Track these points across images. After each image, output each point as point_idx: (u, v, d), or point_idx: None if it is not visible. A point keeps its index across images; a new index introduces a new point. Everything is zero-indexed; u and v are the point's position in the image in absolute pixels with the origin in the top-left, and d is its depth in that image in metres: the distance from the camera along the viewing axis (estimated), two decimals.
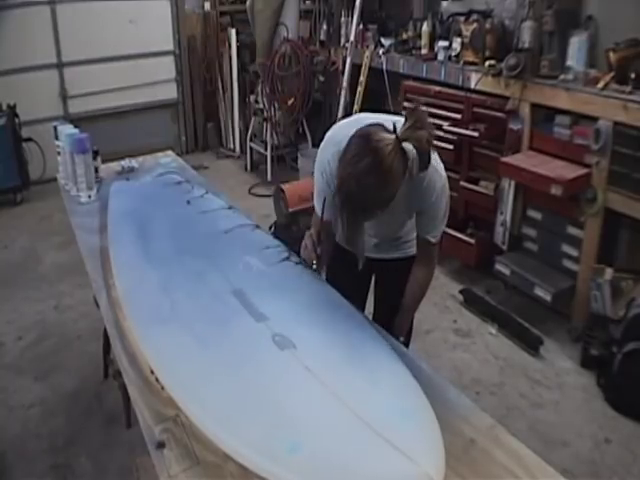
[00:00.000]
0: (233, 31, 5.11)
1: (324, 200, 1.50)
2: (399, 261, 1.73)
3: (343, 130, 1.37)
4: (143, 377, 1.22)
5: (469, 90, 3.13)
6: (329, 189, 1.44)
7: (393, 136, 1.19)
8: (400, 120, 1.26)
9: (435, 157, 1.37)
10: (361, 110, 4.12)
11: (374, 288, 1.93)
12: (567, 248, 2.83)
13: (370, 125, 1.25)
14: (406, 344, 1.68)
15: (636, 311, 2.36)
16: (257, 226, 1.85)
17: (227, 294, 1.41)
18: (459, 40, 3.23)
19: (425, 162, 1.24)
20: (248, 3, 4.57)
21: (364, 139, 1.21)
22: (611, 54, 2.52)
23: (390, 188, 1.22)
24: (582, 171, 2.59)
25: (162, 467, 1.00)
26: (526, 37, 2.75)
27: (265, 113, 4.74)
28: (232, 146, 5.58)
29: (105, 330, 1.87)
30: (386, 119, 1.34)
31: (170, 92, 5.45)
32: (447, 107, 3.32)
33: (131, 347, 1.31)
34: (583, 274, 2.69)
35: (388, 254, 1.74)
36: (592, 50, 2.68)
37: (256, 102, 4.95)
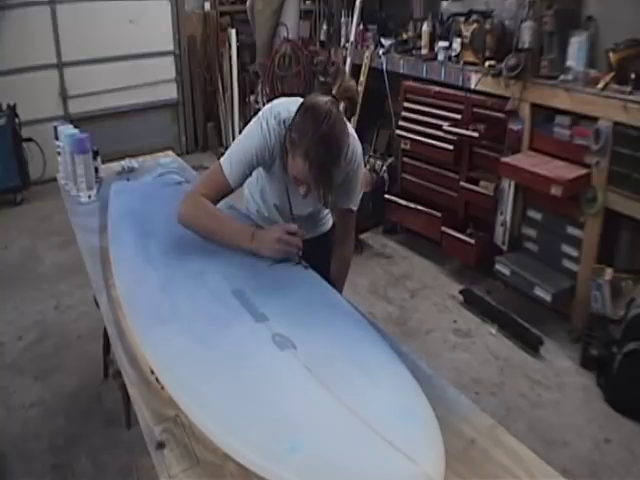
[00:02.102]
0: (233, 31, 5.11)
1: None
2: (317, 239, 1.80)
3: (285, 107, 1.49)
4: (143, 377, 1.21)
5: (469, 90, 3.13)
6: (260, 156, 1.50)
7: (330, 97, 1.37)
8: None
9: (349, 126, 1.47)
10: (361, 110, 4.12)
11: None
12: (567, 248, 2.83)
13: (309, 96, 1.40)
14: None
15: (636, 311, 2.36)
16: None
17: (227, 294, 1.41)
18: (459, 40, 3.23)
19: (352, 110, 1.43)
20: (248, 3, 4.57)
21: (316, 106, 1.34)
22: (611, 54, 2.52)
23: (346, 133, 1.38)
24: (582, 171, 2.60)
25: (162, 467, 1.00)
26: (526, 37, 2.76)
27: None
28: None
29: (105, 330, 1.87)
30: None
31: (170, 92, 5.45)
32: (447, 107, 3.32)
33: (131, 347, 1.31)
34: (583, 274, 2.69)
35: (308, 234, 1.72)
36: (592, 50, 2.69)
37: (256, 102, 4.94)
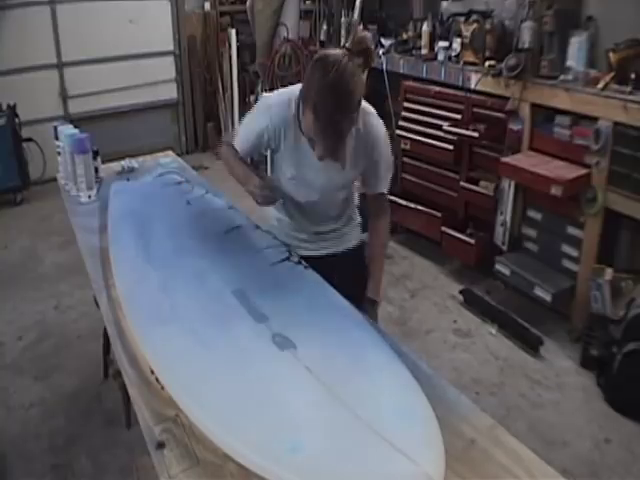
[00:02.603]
0: (233, 31, 5.11)
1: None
2: (342, 255, 1.76)
3: (293, 88, 1.50)
4: (143, 377, 1.22)
5: (469, 90, 3.13)
6: (266, 135, 1.53)
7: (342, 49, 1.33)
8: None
9: (372, 108, 1.52)
10: None
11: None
12: (567, 248, 2.83)
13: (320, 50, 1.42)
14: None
15: (636, 311, 2.36)
16: (257, 226, 1.85)
17: (227, 294, 1.41)
18: (459, 40, 3.23)
19: (370, 65, 1.37)
20: (248, 3, 4.58)
21: (324, 56, 1.32)
22: (611, 54, 2.52)
23: (359, 85, 1.32)
24: (582, 171, 2.59)
25: (162, 467, 1.00)
26: (526, 37, 2.76)
27: None
28: None
29: (105, 330, 1.87)
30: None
31: (170, 92, 5.45)
32: (447, 107, 3.32)
33: (131, 347, 1.31)
34: (583, 274, 2.69)
35: (330, 249, 1.75)
36: (592, 50, 2.68)
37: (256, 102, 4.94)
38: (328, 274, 1.55)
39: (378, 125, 1.54)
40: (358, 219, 1.82)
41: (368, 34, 1.43)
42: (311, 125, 1.32)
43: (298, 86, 1.45)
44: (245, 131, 1.60)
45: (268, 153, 1.67)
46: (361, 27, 1.43)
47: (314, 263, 1.61)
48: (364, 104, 1.45)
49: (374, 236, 1.72)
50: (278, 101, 1.51)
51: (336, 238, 1.77)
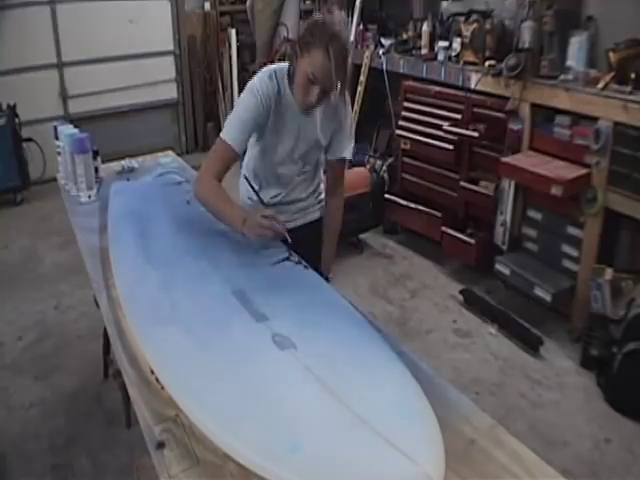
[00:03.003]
0: (233, 31, 5.11)
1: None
2: (308, 225, 1.90)
3: (265, 71, 1.67)
4: (143, 377, 1.22)
5: (469, 90, 3.13)
6: (259, 115, 1.62)
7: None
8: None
9: None
10: (360, 111, 4.13)
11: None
12: (567, 248, 2.83)
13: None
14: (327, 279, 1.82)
15: (636, 311, 2.36)
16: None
17: (227, 294, 1.41)
18: (459, 40, 3.23)
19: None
20: (248, 3, 4.58)
21: (324, 17, 1.55)
22: (611, 54, 2.52)
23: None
24: (582, 171, 2.60)
25: (162, 467, 1.00)
26: (526, 37, 2.76)
27: None
28: None
29: (105, 330, 1.87)
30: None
31: (170, 92, 5.45)
32: (447, 107, 3.32)
33: (131, 347, 1.31)
34: (583, 274, 2.69)
35: (295, 222, 1.87)
36: (592, 50, 2.69)
37: None
38: (293, 246, 1.64)
39: (346, 92, 1.69)
40: (322, 196, 1.94)
41: (343, 14, 1.62)
42: (320, 65, 1.48)
43: (273, 66, 1.68)
44: (239, 120, 1.64)
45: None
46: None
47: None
48: None
49: (328, 215, 1.89)
50: (259, 80, 1.64)
51: (301, 210, 1.90)
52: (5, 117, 4.21)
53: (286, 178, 1.81)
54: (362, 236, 3.83)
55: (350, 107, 1.76)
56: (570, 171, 2.61)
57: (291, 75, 1.62)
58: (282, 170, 1.79)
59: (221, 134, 1.64)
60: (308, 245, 1.75)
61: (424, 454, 0.95)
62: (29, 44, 4.55)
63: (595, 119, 2.51)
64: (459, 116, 3.23)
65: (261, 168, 1.82)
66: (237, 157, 1.66)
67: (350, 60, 1.54)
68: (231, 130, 1.63)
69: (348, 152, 1.77)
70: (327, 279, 1.80)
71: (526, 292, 2.93)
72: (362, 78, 4.03)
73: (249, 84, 1.65)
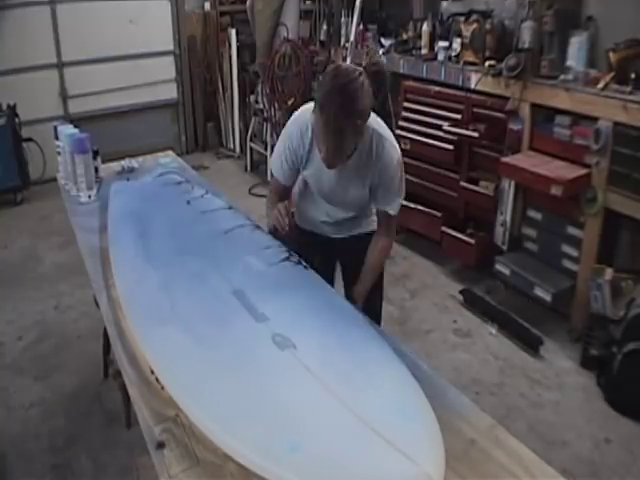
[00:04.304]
0: (233, 31, 5.11)
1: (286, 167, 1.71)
2: (359, 237, 1.88)
3: (304, 114, 1.62)
4: (143, 377, 1.22)
5: (469, 90, 3.13)
6: (292, 158, 1.67)
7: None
8: None
9: (391, 135, 1.61)
10: None
11: (342, 273, 2.03)
12: (567, 248, 2.83)
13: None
14: (377, 321, 1.84)
15: (636, 311, 2.36)
16: (257, 226, 1.85)
17: (227, 294, 1.41)
18: (459, 40, 3.23)
19: (383, 89, 1.53)
20: (248, 3, 4.57)
21: (338, 65, 1.48)
22: (611, 54, 2.52)
23: (366, 97, 1.41)
24: (582, 171, 2.59)
25: (162, 467, 1.00)
26: (526, 37, 2.76)
27: (265, 113, 4.73)
28: (232, 146, 5.58)
29: (105, 330, 1.87)
30: None
31: (170, 92, 5.45)
32: (447, 107, 3.32)
33: (131, 347, 1.31)
34: (583, 274, 2.69)
35: (348, 232, 1.89)
36: (592, 50, 2.68)
37: (256, 102, 4.95)
38: (335, 253, 1.78)
39: (391, 150, 1.59)
40: (374, 214, 1.86)
41: (383, 59, 1.63)
42: (317, 125, 1.41)
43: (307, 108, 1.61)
44: (279, 160, 1.71)
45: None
46: (379, 50, 1.56)
47: (327, 242, 1.84)
48: (382, 130, 1.59)
49: (373, 251, 1.78)
50: (293, 131, 1.65)
51: (352, 224, 1.88)
52: (5, 117, 4.21)
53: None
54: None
55: (395, 160, 1.62)
56: (570, 171, 2.61)
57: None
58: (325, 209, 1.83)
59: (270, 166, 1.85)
60: (354, 257, 1.79)
61: (424, 454, 0.95)
62: (29, 44, 4.55)
63: (595, 119, 2.51)
64: (459, 116, 3.23)
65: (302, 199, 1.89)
66: (286, 187, 1.77)
67: (354, 113, 1.39)
68: (275, 166, 1.74)
69: (393, 208, 1.68)
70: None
71: (526, 292, 2.93)
72: None
73: (287, 126, 1.69)
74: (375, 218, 1.83)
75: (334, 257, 1.98)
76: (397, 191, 1.68)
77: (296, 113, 1.67)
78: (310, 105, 1.54)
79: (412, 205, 3.62)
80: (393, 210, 1.69)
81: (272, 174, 1.78)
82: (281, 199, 1.75)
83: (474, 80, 3.07)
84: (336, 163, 1.50)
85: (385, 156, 1.58)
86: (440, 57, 3.38)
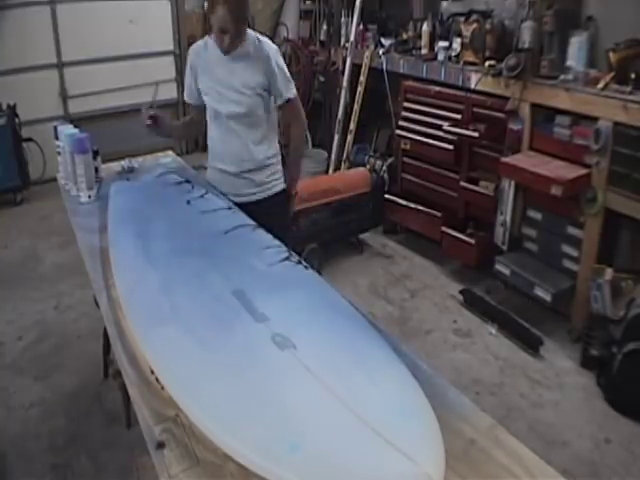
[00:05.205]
0: None
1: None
2: (265, 202, 2.16)
3: (196, 44, 2.13)
4: (143, 377, 1.22)
5: (469, 90, 3.13)
6: (194, 75, 2.10)
7: None
8: None
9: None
10: (361, 111, 4.13)
11: None
12: (567, 248, 2.83)
13: None
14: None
15: (636, 311, 2.36)
16: (257, 226, 1.85)
17: (227, 294, 1.41)
18: (459, 40, 3.23)
19: None
20: None
21: None
22: (611, 54, 2.52)
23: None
24: (582, 171, 2.60)
25: (162, 467, 1.00)
26: (526, 37, 2.76)
27: None
28: None
29: (105, 330, 1.87)
30: None
31: (170, 92, 5.45)
32: (447, 107, 3.32)
33: (131, 347, 1.31)
34: (583, 274, 2.69)
35: (252, 195, 2.15)
36: (592, 50, 2.69)
37: None
38: (256, 217, 1.83)
39: (269, 43, 2.05)
40: (280, 168, 2.22)
41: None
42: (222, 16, 1.83)
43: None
44: (186, 81, 2.15)
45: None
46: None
47: (245, 209, 1.95)
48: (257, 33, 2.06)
49: (290, 143, 2.19)
50: (190, 50, 2.13)
51: (262, 184, 2.16)
52: (5, 117, 4.21)
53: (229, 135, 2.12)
54: (362, 236, 3.83)
55: (275, 49, 2.06)
56: (570, 171, 2.61)
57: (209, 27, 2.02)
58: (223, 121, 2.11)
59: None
60: (273, 217, 1.92)
61: (424, 454, 0.95)
62: (29, 44, 4.55)
63: (595, 119, 2.51)
64: (459, 116, 3.23)
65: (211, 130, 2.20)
66: (196, 109, 2.19)
67: (247, 4, 1.93)
68: (185, 91, 2.18)
69: (291, 91, 2.05)
70: (292, 195, 2.26)
71: (526, 292, 2.93)
72: (362, 78, 4.03)
73: (187, 58, 2.16)
74: (279, 175, 2.19)
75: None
76: (289, 76, 2.07)
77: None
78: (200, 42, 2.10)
79: (412, 205, 3.62)
80: (292, 93, 2.06)
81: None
82: (192, 120, 2.29)
83: (474, 80, 3.08)
84: (232, 48, 1.93)
85: (267, 46, 2.02)
86: (440, 57, 3.38)
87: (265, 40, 2.04)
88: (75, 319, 3.02)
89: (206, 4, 1.90)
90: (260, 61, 1.99)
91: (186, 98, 2.18)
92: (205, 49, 2.06)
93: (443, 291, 3.30)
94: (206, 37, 2.07)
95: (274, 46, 2.06)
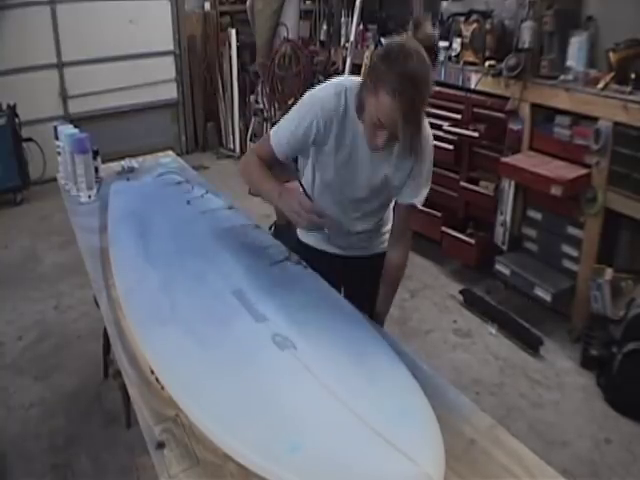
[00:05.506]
0: (233, 31, 5.11)
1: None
2: (367, 259, 1.73)
3: (338, 80, 1.49)
4: (143, 377, 1.22)
5: (469, 90, 3.13)
6: (309, 131, 1.44)
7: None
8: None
9: (425, 121, 1.44)
10: None
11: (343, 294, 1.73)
12: (567, 248, 2.83)
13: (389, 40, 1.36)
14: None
15: (636, 311, 2.36)
16: (257, 226, 1.85)
17: (227, 294, 1.41)
18: (459, 40, 3.23)
19: (433, 59, 1.32)
20: (248, 3, 4.57)
21: (401, 44, 1.29)
22: (611, 54, 2.52)
23: (433, 83, 1.30)
24: (582, 171, 2.60)
25: (162, 467, 1.00)
26: (526, 37, 2.76)
27: (265, 113, 4.73)
28: (232, 146, 5.58)
29: (105, 330, 1.87)
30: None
31: (170, 92, 5.45)
32: (447, 107, 3.32)
33: (131, 347, 1.31)
34: (583, 274, 2.69)
35: (358, 251, 1.73)
36: (592, 50, 2.69)
37: (256, 102, 4.95)
38: (339, 275, 1.58)
39: (428, 131, 1.48)
40: (388, 227, 1.72)
41: (434, 33, 1.42)
42: (387, 109, 1.26)
43: (342, 79, 1.48)
44: (289, 129, 1.47)
45: (310, 153, 1.57)
46: (429, 24, 1.34)
47: (331, 261, 1.66)
48: None
49: (388, 267, 1.67)
50: (325, 94, 1.44)
51: (364, 241, 1.72)
52: (5, 117, 4.21)
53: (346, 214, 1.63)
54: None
55: (432, 146, 1.49)
56: (570, 171, 2.61)
57: (361, 103, 1.36)
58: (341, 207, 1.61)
59: (272, 131, 1.52)
60: (362, 280, 1.66)
61: (424, 454, 0.95)
62: (29, 44, 4.55)
63: (595, 119, 2.51)
64: (459, 116, 3.23)
65: (319, 195, 1.62)
66: (279, 162, 1.53)
67: (426, 100, 1.29)
68: (279, 134, 1.49)
69: (420, 199, 1.52)
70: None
71: (526, 292, 2.93)
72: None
73: (311, 93, 1.46)
74: (386, 237, 1.71)
75: (337, 281, 1.63)
76: (427, 180, 1.52)
77: (325, 84, 1.47)
78: (342, 80, 1.46)
79: None
80: (419, 201, 1.52)
81: (269, 141, 1.51)
82: (267, 163, 1.55)
83: (474, 80, 3.07)
84: (388, 147, 1.38)
85: (428, 149, 1.48)
86: (440, 57, 3.38)
87: (429, 139, 1.48)
88: (75, 319, 3.02)
89: (366, 83, 1.32)
90: (410, 162, 1.47)
91: (277, 152, 1.51)
92: (344, 116, 1.44)
93: (443, 291, 3.30)
94: (341, 89, 1.43)
95: (431, 137, 1.50)
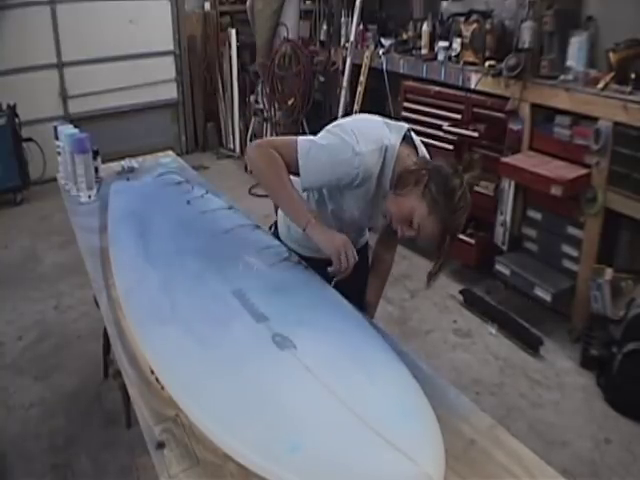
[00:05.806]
0: (233, 31, 5.11)
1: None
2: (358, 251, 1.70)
3: (377, 131, 1.45)
4: (143, 377, 1.22)
5: (469, 90, 3.13)
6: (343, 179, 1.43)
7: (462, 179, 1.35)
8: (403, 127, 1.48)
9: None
10: (361, 111, 4.12)
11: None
12: (567, 248, 2.83)
13: (442, 165, 1.37)
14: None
15: (636, 311, 2.36)
16: (257, 226, 1.85)
17: (227, 294, 1.41)
18: (459, 40, 3.23)
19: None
20: (248, 3, 4.57)
21: (456, 179, 1.34)
22: (611, 54, 2.52)
23: None
24: (582, 171, 2.60)
25: (162, 467, 1.00)
26: (526, 37, 2.76)
27: (265, 113, 4.74)
28: (232, 146, 5.58)
29: (105, 330, 1.87)
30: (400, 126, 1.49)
31: (170, 92, 5.45)
32: (447, 107, 3.32)
33: (131, 347, 1.31)
34: (583, 274, 2.69)
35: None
36: (592, 50, 2.69)
37: (256, 102, 4.95)
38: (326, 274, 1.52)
39: None
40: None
41: (478, 156, 1.47)
42: (428, 231, 1.36)
43: (381, 133, 1.44)
44: (323, 171, 1.43)
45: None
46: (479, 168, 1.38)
47: (315, 264, 1.59)
48: None
49: (378, 262, 1.78)
50: (369, 151, 1.41)
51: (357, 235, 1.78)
52: (5, 117, 4.21)
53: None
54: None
55: None
56: (570, 171, 2.61)
57: (399, 185, 1.39)
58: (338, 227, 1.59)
59: (300, 147, 1.43)
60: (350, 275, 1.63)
61: (424, 454, 0.95)
62: (29, 44, 4.55)
63: (595, 119, 2.51)
64: (459, 116, 3.23)
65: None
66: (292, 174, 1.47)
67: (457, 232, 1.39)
68: (309, 165, 1.42)
69: None
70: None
71: (526, 292, 2.93)
72: (362, 78, 4.02)
73: (351, 144, 1.40)
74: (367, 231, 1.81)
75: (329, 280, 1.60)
76: None
77: (365, 132, 1.43)
78: (382, 134, 1.44)
79: None
80: None
81: (293, 155, 1.43)
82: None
83: (474, 80, 3.08)
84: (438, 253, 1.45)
85: None
86: (440, 57, 3.38)
87: None
88: (75, 319, 3.02)
89: (417, 190, 1.36)
90: None
91: (303, 180, 1.45)
92: (380, 174, 1.46)
93: (443, 291, 3.30)
94: (382, 146, 1.42)
95: None
